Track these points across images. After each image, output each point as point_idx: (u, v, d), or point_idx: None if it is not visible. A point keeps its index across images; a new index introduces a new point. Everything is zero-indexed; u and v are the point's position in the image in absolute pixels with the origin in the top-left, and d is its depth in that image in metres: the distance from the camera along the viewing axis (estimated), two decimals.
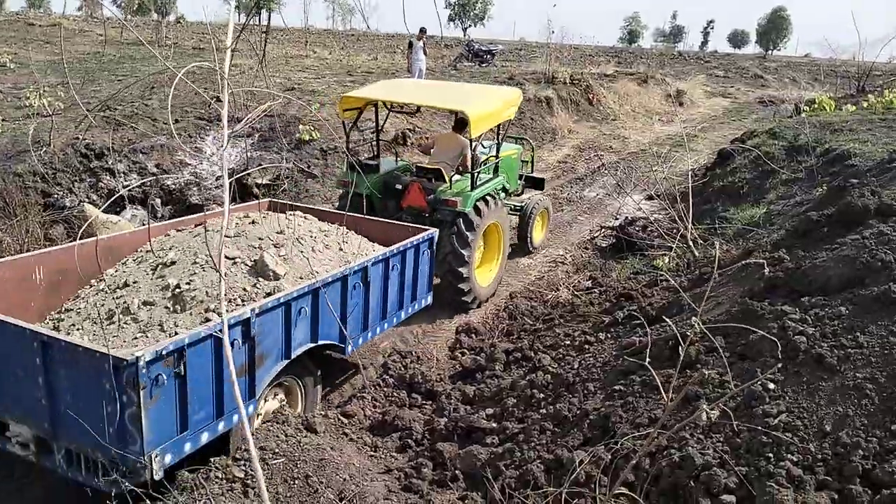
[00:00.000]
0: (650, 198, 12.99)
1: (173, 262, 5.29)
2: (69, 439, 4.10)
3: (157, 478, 3.95)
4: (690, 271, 7.19)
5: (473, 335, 7.30)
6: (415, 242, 6.43)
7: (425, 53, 17.52)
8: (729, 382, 3.71)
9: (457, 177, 8.30)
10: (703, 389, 3.73)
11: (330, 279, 5.19)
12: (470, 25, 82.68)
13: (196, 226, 6.23)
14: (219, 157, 12.24)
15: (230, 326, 4.24)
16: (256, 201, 8.00)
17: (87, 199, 10.61)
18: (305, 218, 6.58)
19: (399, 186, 8.29)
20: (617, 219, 12.08)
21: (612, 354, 4.88)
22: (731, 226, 9.12)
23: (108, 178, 11.08)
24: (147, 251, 5.68)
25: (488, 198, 8.28)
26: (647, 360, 3.05)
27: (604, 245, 10.91)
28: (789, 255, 4.81)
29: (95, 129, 11.65)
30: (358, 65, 24.09)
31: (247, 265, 5.29)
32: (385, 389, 5.95)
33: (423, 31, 17.39)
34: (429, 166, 8.50)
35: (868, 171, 7.65)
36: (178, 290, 4.94)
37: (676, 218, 8.20)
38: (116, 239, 5.94)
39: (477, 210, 7.99)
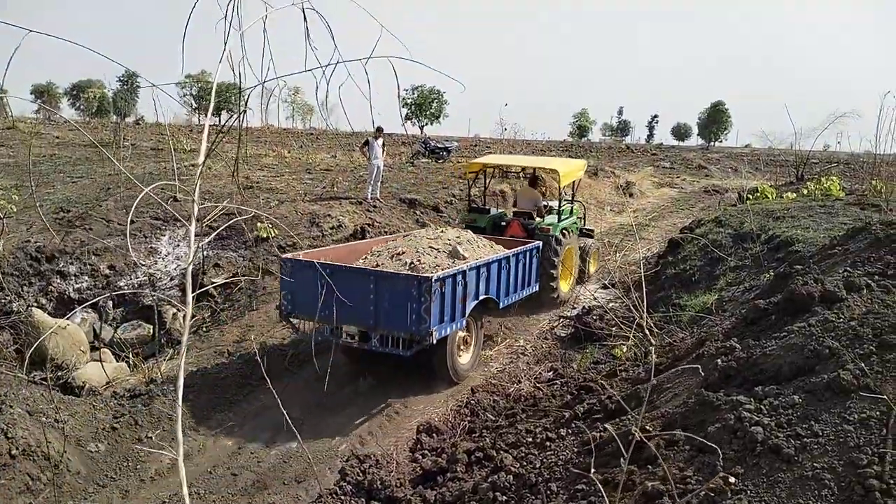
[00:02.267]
0: (605, 287, 13.18)
1: (403, 252, 9.29)
2: (384, 328, 8.02)
3: (434, 342, 7.96)
4: (648, 361, 7.21)
5: (434, 434, 7.12)
6: (530, 247, 10.86)
7: (383, 151, 17.92)
8: (690, 478, 3.66)
9: (549, 215, 12.90)
10: (664, 486, 3.66)
11: (494, 259, 9.44)
12: (426, 123, 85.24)
13: (404, 236, 10.62)
14: (175, 257, 12.08)
15: (455, 274, 8.30)
16: (432, 225, 14.78)
17: (35, 304, 10.29)
18: (467, 231, 10.93)
19: (504, 223, 12.79)
20: (574, 308, 12.18)
21: (574, 451, 4.79)
22: (685, 313, 9.26)
23: (58, 280, 10.81)
24: (378, 251, 9.63)
25: (567, 229, 12.75)
26: (593, 470, 2.98)
27: (563, 335, 10.93)
28: (741, 343, 4.87)
29: (47, 231, 11.45)
30: (317, 162, 24.46)
31: (445, 252, 9.38)
32: (342, 498, 5.71)
33: (379, 129, 17.84)
34: (522, 210, 13.28)
35: (811, 257, 7.90)
36: (412, 264, 8.86)
37: (631, 307, 8.30)
38: (355, 246, 10.50)
39: (562, 235, 12.35)
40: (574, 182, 14.14)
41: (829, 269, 6.38)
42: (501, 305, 9.82)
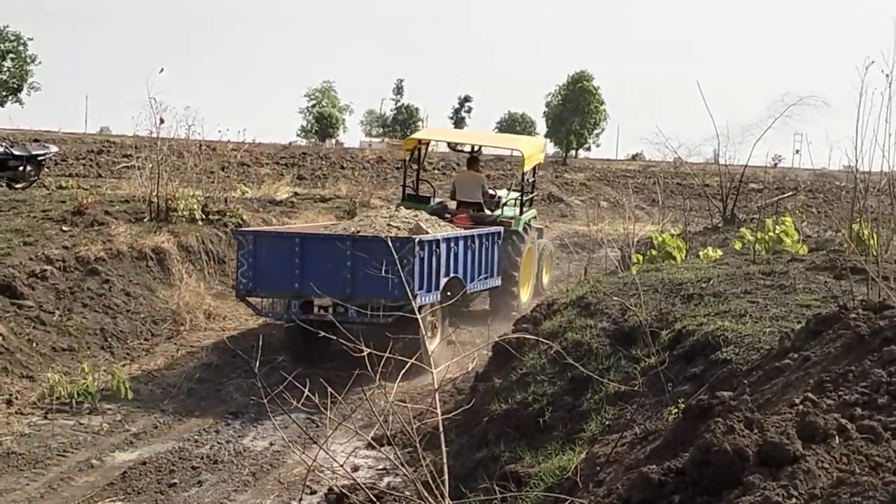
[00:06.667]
0: (373, 445, 13.31)
1: (360, 231, 18.10)
2: (363, 297, 16.80)
3: (418, 306, 14.89)
4: None
5: None
6: (493, 231, 20.56)
7: None
8: None
9: (510, 198, 23.81)
10: None
11: (462, 234, 19.15)
12: None
13: (352, 219, 22.09)
14: None
15: (432, 241, 17.75)
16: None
17: None
18: (421, 212, 20.24)
19: (448, 215, 20.84)
20: (312, 492, 12.11)
21: None
22: (527, 493, 9.56)
23: None
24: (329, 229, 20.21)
25: (528, 224, 22.14)
26: None
27: None
28: None
29: None
30: None
31: (407, 230, 18.23)
32: None
33: None
34: (469, 201, 22.12)
35: (748, 374, 8.56)
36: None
37: (420, 487, 8.44)
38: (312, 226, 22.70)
39: (525, 229, 21.51)
40: (535, 166, 24.02)
41: (777, 398, 6.89)
42: (469, 290, 18.04)
